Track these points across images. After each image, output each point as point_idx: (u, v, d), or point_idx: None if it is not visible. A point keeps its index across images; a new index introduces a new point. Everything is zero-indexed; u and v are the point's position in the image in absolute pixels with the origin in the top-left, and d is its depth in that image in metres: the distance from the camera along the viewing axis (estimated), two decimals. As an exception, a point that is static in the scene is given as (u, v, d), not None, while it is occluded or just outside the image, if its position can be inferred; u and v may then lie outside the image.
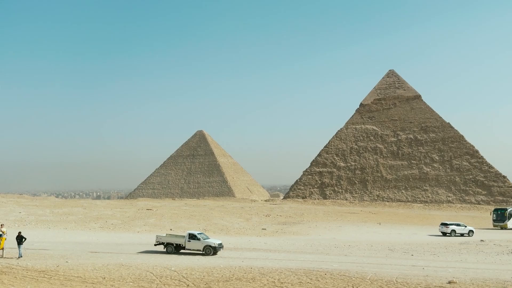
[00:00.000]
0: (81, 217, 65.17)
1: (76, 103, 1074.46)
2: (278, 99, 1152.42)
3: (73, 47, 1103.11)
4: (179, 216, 71.56)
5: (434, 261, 33.65)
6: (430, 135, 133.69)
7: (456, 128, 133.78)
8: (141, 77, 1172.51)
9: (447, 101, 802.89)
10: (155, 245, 37.66)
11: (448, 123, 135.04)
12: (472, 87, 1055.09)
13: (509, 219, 67.21)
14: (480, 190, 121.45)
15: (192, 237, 36.70)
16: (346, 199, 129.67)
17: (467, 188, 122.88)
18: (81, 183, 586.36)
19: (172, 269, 27.41)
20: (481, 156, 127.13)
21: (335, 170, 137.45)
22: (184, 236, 37.39)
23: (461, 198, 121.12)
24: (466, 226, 57.14)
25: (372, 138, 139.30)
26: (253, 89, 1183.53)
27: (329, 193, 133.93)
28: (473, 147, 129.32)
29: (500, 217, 68.10)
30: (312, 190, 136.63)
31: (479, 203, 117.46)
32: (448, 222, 57.79)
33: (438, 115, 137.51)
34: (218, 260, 32.13)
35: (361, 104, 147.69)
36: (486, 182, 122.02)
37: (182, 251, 37.22)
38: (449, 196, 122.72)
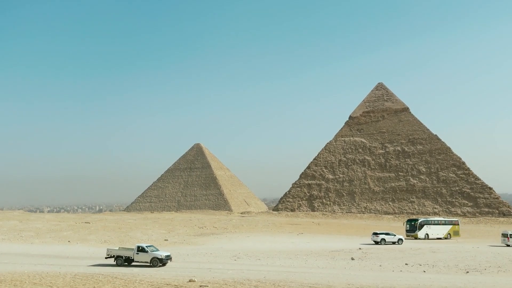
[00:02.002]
0: (4, 230, 69.74)
1: (76, 117, 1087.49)
2: (276, 111, 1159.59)
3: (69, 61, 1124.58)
4: (105, 229, 74.49)
5: (244, 265, 37.44)
6: (418, 147, 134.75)
7: (445, 140, 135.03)
8: (139, 90, 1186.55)
9: (436, 113, 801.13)
10: (106, 258, 38.76)
11: (435, 135, 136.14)
12: (463, 99, 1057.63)
13: (420, 229, 69.46)
14: (466, 202, 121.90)
15: (140, 249, 37.43)
16: (334, 211, 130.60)
17: (454, 200, 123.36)
18: (86, 196, 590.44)
19: None
20: (468, 167, 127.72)
21: (323, 182, 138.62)
22: (133, 249, 38.74)
23: (447, 210, 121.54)
24: (395, 235, 60.66)
25: (360, 150, 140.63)
26: (250, 101, 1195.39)
27: (318, 206, 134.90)
28: (460, 158, 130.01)
29: (412, 228, 70.62)
30: (300, 202, 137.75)
31: (465, 215, 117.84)
32: (378, 232, 61.39)
33: (426, 127, 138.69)
34: (55, 268, 34.20)
35: (350, 117, 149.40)
36: (472, 193, 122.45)
37: (133, 263, 38.80)
38: (435, 208, 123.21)
